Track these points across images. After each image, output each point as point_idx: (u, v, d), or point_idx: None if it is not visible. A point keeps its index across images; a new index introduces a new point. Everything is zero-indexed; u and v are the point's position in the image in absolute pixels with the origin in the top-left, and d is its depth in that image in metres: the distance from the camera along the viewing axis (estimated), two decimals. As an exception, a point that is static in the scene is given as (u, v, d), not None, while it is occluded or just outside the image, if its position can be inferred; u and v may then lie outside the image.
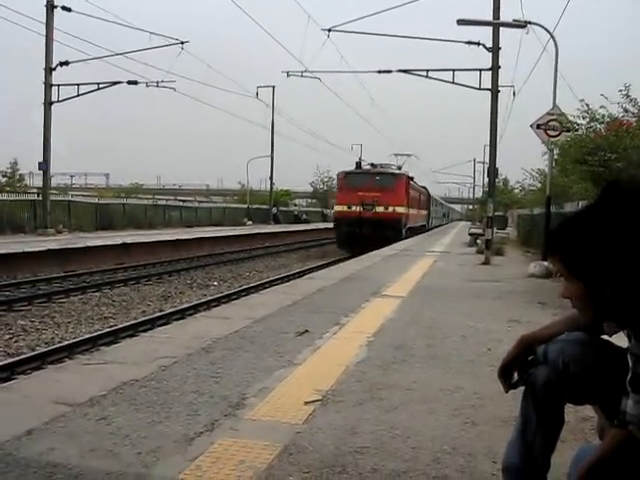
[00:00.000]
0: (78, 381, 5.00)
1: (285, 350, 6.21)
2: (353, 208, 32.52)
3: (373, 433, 3.92)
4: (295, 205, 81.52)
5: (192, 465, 3.34)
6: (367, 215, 31.97)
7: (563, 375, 2.36)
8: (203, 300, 15.53)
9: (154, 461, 3.38)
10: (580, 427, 3.98)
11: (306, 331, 7.13)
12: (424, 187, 53.77)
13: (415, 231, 40.81)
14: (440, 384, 5.12)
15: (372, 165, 37.52)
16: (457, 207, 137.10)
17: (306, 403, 4.49)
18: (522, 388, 2.53)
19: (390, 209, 32.53)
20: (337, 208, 35.19)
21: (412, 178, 42.35)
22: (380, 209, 32.44)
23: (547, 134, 16.69)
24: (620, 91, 13.55)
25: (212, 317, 8.28)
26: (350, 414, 4.30)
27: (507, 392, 2.60)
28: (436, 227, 66.43)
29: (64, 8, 28.21)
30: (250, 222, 52.38)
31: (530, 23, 18.44)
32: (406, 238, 33.56)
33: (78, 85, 29.36)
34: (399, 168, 41.14)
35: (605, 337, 2.46)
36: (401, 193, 34.21)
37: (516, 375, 2.55)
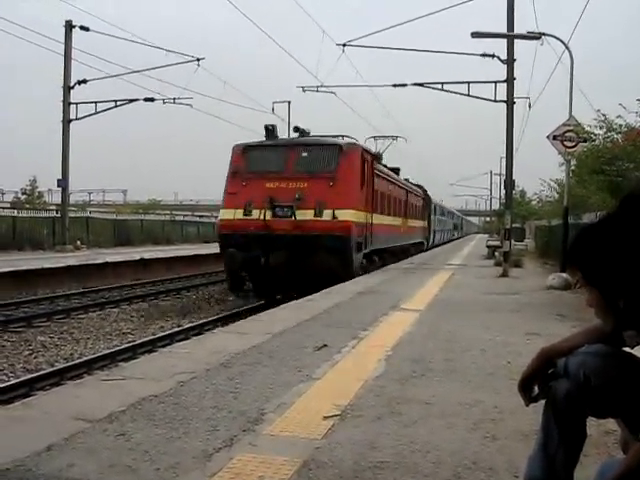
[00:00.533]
0: (97, 397, 5.01)
1: (304, 365, 6.19)
2: (254, 214, 17.30)
3: (392, 448, 3.89)
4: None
5: (211, 481, 3.33)
6: (280, 227, 17.03)
7: (584, 388, 2.33)
8: (221, 315, 15.56)
9: (173, 477, 3.37)
10: (603, 441, 3.93)
11: (324, 345, 7.11)
12: (419, 186, 37.43)
13: (396, 255, 25.89)
14: (459, 398, 5.08)
15: (298, 131, 20.29)
16: (474, 219, 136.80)
17: (325, 418, 4.47)
18: (543, 401, 2.51)
19: (326, 215, 16.97)
20: (223, 214, 18.49)
21: (396, 169, 28.32)
22: (305, 215, 17.10)
23: (564, 145, 16.62)
24: (638, 100, 13.49)
25: (230, 332, 8.29)
26: (369, 429, 4.28)
27: (528, 405, 2.58)
28: (442, 244, 50.37)
29: (82, 28, 28.66)
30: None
31: (544, 35, 18.43)
32: (368, 271, 19.12)
33: (96, 103, 29.69)
34: (379, 156, 23.42)
35: (627, 349, 2.43)
36: (351, 183, 17.86)
37: (536, 388, 2.52)
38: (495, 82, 20.80)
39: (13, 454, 3.59)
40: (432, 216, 43.56)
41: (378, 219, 20.92)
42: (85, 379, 5.59)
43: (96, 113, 29.69)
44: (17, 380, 8.74)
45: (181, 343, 7.26)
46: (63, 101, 29.47)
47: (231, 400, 4.89)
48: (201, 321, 14.65)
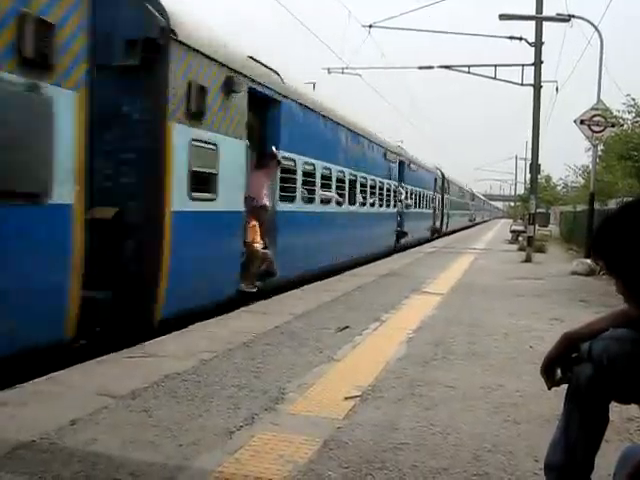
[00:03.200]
0: (120, 374, 5.07)
1: (325, 346, 6.21)
2: None
3: (413, 430, 3.90)
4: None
5: (232, 458, 3.36)
6: None
7: (608, 373, 2.31)
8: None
9: (195, 454, 3.41)
10: (625, 427, 3.91)
11: (346, 327, 7.12)
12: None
13: None
14: (481, 382, 5.07)
15: None
16: (499, 204, 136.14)
17: (346, 399, 4.49)
18: (565, 386, 2.49)
19: None
20: None
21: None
22: None
23: (591, 130, 16.44)
24: None
25: (253, 312, 8.32)
26: (390, 410, 4.29)
27: (550, 389, 2.56)
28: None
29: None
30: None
31: (574, 17, 18.17)
32: None
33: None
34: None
35: None
36: None
37: (559, 372, 2.51)
38: (522, 65, 20.51)
39: (38, 428, 3.65)
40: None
41: None
42: (108, 356, 5.64)
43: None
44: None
45: (203, 322, 7.29)
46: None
47: (253, 379, 4.93)
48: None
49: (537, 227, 22.11)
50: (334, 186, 14.63)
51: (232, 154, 8.95)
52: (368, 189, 18.00)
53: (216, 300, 8.59)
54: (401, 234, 23.27)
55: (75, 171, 5.73)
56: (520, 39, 20.01)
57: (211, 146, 8.32)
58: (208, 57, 8.23)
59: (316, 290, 10.92)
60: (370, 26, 22.17)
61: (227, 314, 8.01)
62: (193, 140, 7.82)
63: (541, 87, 19.78)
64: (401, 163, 23.41)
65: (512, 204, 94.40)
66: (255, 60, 9.97)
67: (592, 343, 2.39)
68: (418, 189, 27.28)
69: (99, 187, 6.80)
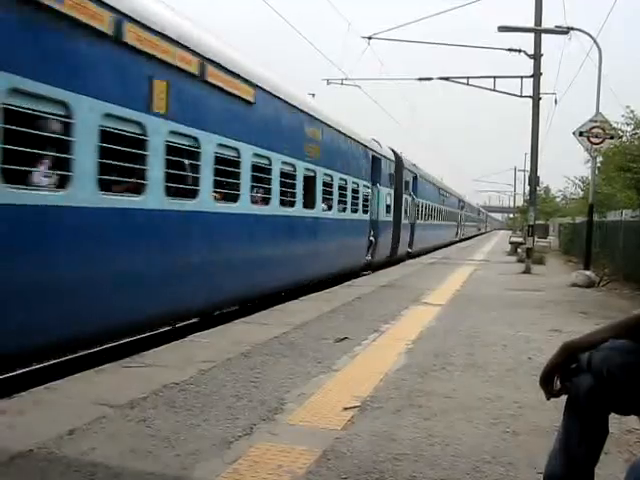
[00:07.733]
0: (119, 383, 5.06)
1: (324, 356, 6.21)
2: None
3: (412, 440, 3.89)
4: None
5: (230, 468, 3.35)
6: None
7: (607, 384, 2.30)
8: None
9: (193, 463, 3.40)
10: (625, 439, 3.90)
11: (345, 338, 7.12)
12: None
13: None
14: (480, 392, 5.06)
15: None
16: (498, 216, 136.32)
17: (345, 409, 4.48)
18: (564, 397, 2.49)
19: None
20: None
21: None
22: None
23: (590, 141, 16.45)
24: None
25: (251, 323, 8.32)
26: (389, 421, 4.28)
27: (549, 400, 2.55)
28: None
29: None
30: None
31: (573, 29, 18.23)
32: None
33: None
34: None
35: None
36: None
37: (558, 383, 2.49)
38: (521, 77, 20.53)
39: (36, 437, 3.64)
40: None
41: None
42: (107, 365, 5.63)
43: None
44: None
45: (202, 333, 7.30)
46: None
47: (251, 389, 4.92)
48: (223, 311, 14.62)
49: (536, 239, 22.12)
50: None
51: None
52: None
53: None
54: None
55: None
56: (519, 51, 20.06)
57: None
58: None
59: (315, 300, 10.92)
60: (370, 38, 22.23)
61: (225, 325, 8.01)
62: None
63: (540, 99, 19.82)
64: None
65: (511, 216, 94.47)
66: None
67: (592, 354, 2.38)
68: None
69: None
